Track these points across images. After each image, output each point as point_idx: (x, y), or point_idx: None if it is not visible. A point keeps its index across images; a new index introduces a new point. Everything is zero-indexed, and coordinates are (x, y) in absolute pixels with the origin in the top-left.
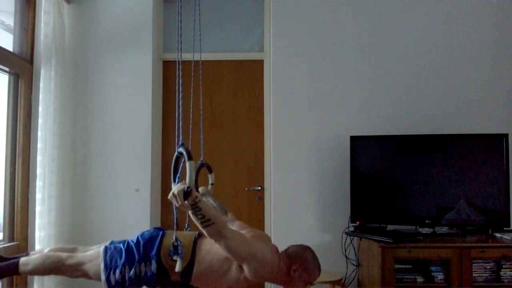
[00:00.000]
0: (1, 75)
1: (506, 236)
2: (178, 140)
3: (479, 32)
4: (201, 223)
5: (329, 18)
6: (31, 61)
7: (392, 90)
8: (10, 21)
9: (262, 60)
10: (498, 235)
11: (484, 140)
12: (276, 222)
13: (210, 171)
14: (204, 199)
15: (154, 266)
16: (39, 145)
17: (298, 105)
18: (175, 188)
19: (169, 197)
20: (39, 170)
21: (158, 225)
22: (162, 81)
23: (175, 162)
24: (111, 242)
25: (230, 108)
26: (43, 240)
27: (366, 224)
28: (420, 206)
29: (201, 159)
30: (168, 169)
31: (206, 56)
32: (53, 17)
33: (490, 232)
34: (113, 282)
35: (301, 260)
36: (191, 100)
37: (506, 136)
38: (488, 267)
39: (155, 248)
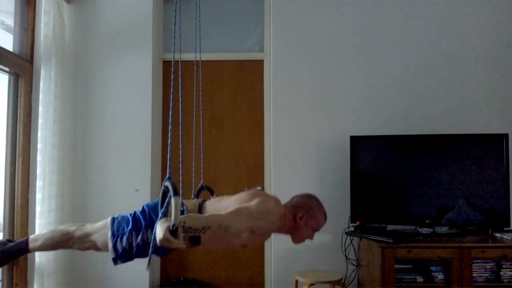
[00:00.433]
0: (1, 75)
1: (506, 236)
2: (173, 144)
3: (479, 32)
4: (199, 233)
5: (329, 18)
6: (31, 61)
7: (392, 90)
8: (10, 21)
9: (262, 60)
10: (498, 235)
11: (484, 140)
12: None
13: (212, 193)
14: (187, 216)
15: None
16: (39, 145)
17: (298, 105)
18: (160, 231)
19: (158, 244)
20: (39, 170)
21: None
22: (162, 81)
23: (162, 196)
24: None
25: (230, 108)
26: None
27: (366, 224)
28: (420, 206)
29: (201, 182)
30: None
31: (206, 56)
32: (53, 17)
33: (490, 232)
34: (120, 249)
35: (306, 208)
36: (194, 100)
37: (506, 136)
38: (488, 267)
39: (160, 215)
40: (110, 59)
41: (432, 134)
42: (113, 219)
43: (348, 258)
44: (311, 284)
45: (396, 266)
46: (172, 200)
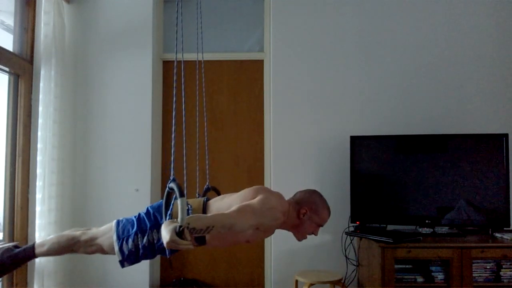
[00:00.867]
0: (1, 75)
1: (506, 236)
2: (175, 146)
3: (479, 32)
4: (203, 233)
5: (329, 18)
6: (31, 61)
7: (392, 90)
8: (10, 21)
9: (262, 60)
10: (498, 235)
11: (484, 140)
12: None
13: (218, 194)
14: (191, 216)
15: None
16: (39, 145)
17: (298, 105)
18: (166, 233)
19: (166, 246)
20: (39, 170)
21: None
22: (162, 81)
23: (166, 197)
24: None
25: (230, 108)
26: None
27: (366, 224)
28: (420, 206)
29: (207, 183)
30: (168, 169)
31: (206, 56)
32: (53, 17)
33: (490, 232)
34: (126, 252)
35: (309, 203)
36: (197, 100)
37: (506, 136)
38: (488, 267)
39: (168, 217)
40: (110, 59)
41: (432, 134)
42: (118, 222)
43: (348, 258)
44: (311, 284)
45: (396, 266)
46: (178, 202)
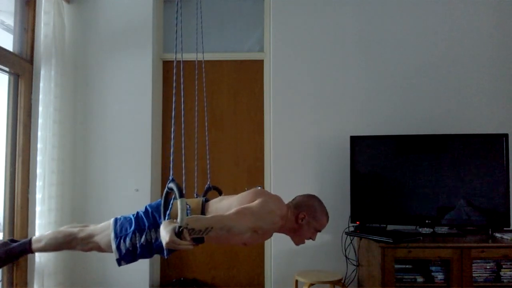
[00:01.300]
0: (1, 75)
1: (506, 236)
2: (174, 148)
3: (479, 32)
4: (202, 234)
5: (329, 18)
6: (31, 61)
7: (392, 90)
8: (10, 21)
9: (262, 60)
10: (498, 235)
11: (484, 140)
12: None
13: (220, 193)
14: (191, 217)
15: None
16: (39, 145)
17: (298, 105)
18: (165, 234)
19: (165, 247)
20: (39, 170)
21: None
22: (162, 81)
23: (165, 197)
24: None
25: (230, 108)
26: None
27: (366, 224)
28: (420, 206)
29: (208, 183)
30: (168, 169)
31: (206, 56)
32: (53, 17)
33: (490, 232)
34: (123, 250)
35: (308, 208)
36: (196, 100)
37: (506, 136)
38: (488, 267)
39: (167, 217)
40: (110, 59)
41: (432, 134)
42: (116, 220)
43: (348, 258)
44: (311, 284)
45: (396, 266)
46: (178, 202)
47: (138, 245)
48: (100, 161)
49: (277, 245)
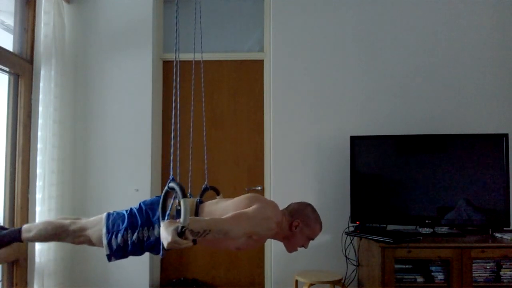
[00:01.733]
0: (1, 75)
1: (506, 236)
2: (175, 151)
3: (479, 32)
4: (200, 236)
5: (329, 18)
6: (31, 61)
7: (392, 90)
8: (10, 21)
9: (262, 60)
10: (498, 235)
11: (484, 140)
12: None
13: (218, 193)
14: (192, 218)
15: (157, 230)
16: (39, 145)
17: (298, 105)
18: (167, 234)
19: (167, 247)
20: (39, 170)
21: None
22: (162, 81)
23: (164, 197)
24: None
25: (230, 108)
26: None
27: (366, 224)
28: (420, 206)
29: (205, 183)
30: (168, 169)
31: (206, 56)
32: (53, 17)
33: (490, 232)
34: (114, 246)
35: (302, 216)
36: (192, 100)
37: (506, 136)
38: (488, 267)
39: (157, 213)
40: (110, 59)
41: (432, 134)
42: (108, 215)
43: (348, 258)
44: (311, 284)
45: (396, 266)
46: (181, 203)
47: (129, 242)
48: (100, 161)
49: (277, 245)
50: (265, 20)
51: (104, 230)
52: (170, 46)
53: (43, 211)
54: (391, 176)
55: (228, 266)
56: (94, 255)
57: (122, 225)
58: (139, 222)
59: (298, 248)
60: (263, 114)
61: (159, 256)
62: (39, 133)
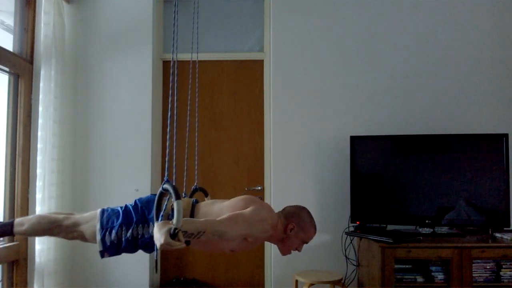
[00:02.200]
0: (1, 75)
1: (506, 236)
2: (171, 150)
3: (479, 32)
4: (194, 237)
5: (329, 18)
6: (31, 61)
7: (392, 90)
8: (10, 21)
9: (262, 60)
10: (498, 235)
11: (484, 140)
12: None
13: (206, 195)
14: (185, 219)
15: (152, 228)
16: (39, 145)
17: (298, 105)
18: (160, 236)
19: (159, 248)
20: (39, 170)
21: None
22: (162, 81)
23: (158, 198)
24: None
25: (230, 108)
26: (43, 240)
27: (366, 224)
28: (420, 206)
29: (195, 183)
30: (167, 169)
31: (206, 56)
32: (53, 17)
33: (490, 232)
34: (108, 243)
35: (297, 219)
36: (188, 99)
37: (506, 136)
38: (488, 267)
39: (153, 211)
40: (110, 59)
41: (432, 134)
42: (103, 211)
43: (348, 258)
44: (311, 284)
45: (396, 266)
46: (175, 204)
47: (123, 239)
48: (100, 161)
49: None
50: (265, 20)
51: (98, 226)
52: (170, 46)
53: (43, 211)
54: (391, 176)
55: (228, 266)
56: (94, 255)
57: (117, 221)
58: (134, 219)
59: (292, 251)
60: (263, 114)
61: (153, 256)
62: (39, 133)
